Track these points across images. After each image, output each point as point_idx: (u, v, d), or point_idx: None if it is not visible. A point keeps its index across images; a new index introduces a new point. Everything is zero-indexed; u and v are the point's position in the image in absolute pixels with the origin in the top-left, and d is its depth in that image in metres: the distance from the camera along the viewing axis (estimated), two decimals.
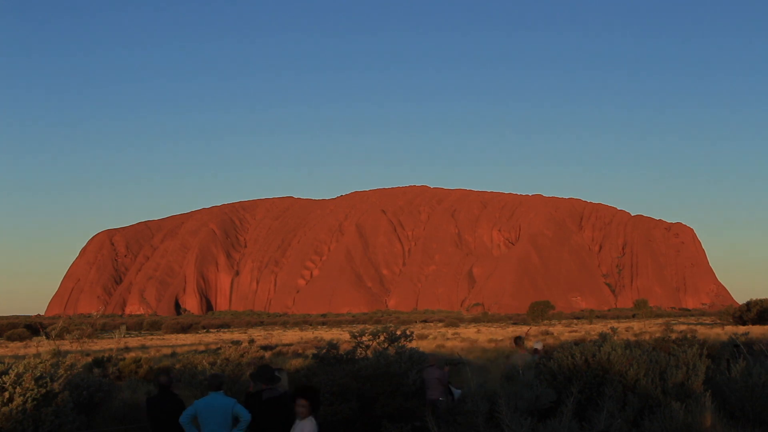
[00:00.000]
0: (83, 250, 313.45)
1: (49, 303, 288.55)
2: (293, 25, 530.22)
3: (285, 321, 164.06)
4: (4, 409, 8.76)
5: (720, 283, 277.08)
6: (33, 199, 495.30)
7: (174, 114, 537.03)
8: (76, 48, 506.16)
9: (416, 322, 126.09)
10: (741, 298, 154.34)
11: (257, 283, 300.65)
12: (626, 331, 49.74)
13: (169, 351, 39.95)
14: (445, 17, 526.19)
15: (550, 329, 59.32)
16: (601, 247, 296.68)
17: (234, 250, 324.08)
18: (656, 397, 8.31)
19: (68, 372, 10.67)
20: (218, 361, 17.31)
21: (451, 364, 18.96)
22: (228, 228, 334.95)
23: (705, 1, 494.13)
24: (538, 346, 14.43)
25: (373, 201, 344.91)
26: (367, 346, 12.59)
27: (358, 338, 12.80)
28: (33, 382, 9.27)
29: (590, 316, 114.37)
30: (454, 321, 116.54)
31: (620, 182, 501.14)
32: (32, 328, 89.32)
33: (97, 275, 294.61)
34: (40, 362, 9.92)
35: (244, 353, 19.40)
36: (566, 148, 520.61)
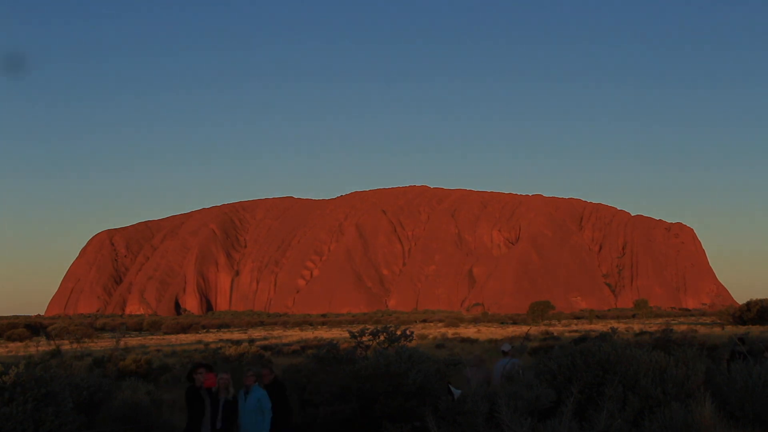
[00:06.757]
0: (83, 250, 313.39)
1: (49, 303, 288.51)
2: (293, 25, 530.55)
3: (285, 321, 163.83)
4: (5, 409, 8.75)
5: (720, 283, 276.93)
6: (33, 199, 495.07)
7: (174, 113, 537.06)
8: (73, 46, 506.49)
9: (416, 322, 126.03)
10: (741, 298, 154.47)
11: (257, 283, 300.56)
12: (626, 331, 49.83)
13: (169, 350, 40.00)
14: (445, 15, 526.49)
15: (550, 329, 59.38)
16: (601, 247, 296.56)
17: (234, 250, 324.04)
18: (656, 397, 8.31)
19: (68, 372, 10.67)
20: (218, 361, 17.31)
21: (452, 364, 18.90)
22: (228, 228, 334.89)
23: None
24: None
25: (373, 201, 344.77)
26: (367, 346, 12.58)
27: (358, 338, 12.79)
28: (33, 382, 9.27)
29: (590, 316, 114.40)
30: (454, 321, 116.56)
31: (620, 182, 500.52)
32: (32, 328, 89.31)
33: (97, 275, 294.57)
34: (40, 362, 9.92)
35: (245, 353, 19.41)
36: (566, 148, 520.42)
